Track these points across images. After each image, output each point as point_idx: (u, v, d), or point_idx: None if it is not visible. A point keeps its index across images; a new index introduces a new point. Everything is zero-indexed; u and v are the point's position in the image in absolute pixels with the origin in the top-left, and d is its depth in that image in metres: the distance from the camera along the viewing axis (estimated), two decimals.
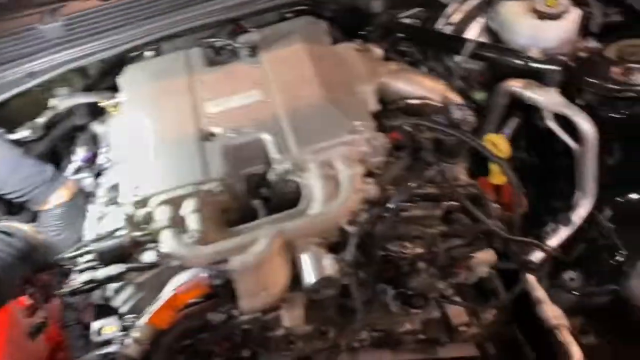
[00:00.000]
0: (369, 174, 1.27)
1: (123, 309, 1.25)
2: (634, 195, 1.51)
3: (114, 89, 1.59)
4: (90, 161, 1.62)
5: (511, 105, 1.65)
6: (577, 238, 1.56)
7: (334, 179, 1.22)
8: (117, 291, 1.26)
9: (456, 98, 1.53)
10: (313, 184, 1.23)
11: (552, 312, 1.41)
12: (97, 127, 1.65)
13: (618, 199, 1.53)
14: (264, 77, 1.44)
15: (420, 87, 1.49)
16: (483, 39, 1.72)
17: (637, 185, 1.51)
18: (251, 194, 1.30)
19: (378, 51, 1.58)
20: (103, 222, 1.37)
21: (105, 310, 1.26)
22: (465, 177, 1.38)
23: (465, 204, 1.23)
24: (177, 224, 1.19)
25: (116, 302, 1.26)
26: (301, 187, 1.25)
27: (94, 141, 1.65)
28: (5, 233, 1.39)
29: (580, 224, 1.54)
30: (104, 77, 1.75)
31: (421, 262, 1.27)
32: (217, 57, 1.59)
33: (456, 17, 1.75)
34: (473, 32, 1.74)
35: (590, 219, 1.54)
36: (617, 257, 1.46)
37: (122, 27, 1.63)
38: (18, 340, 1.34)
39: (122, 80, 1.57)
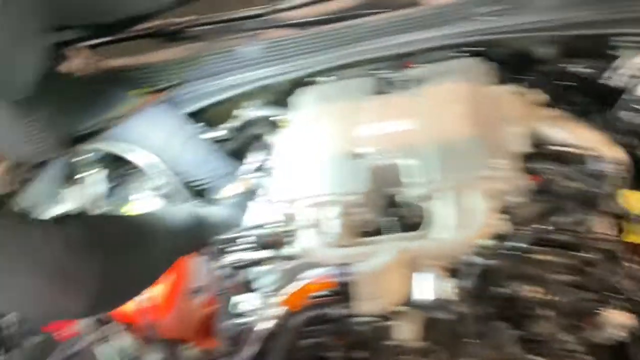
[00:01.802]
0: (505, 211, 1.31)
1: (261, 291, 1.45)
2: None
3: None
4: (260, 165, 1.89)
5: None
6: None
7: (468, 210, 1.29)
8: (259, 275, 1.48)
9: (614, 152, 1.48)
10: (443, 211, 1.31)
11: None
12: (270, 138, 1.93)
13: None
14: (419, 109, 1.56)
15: (574, 135, 1.47)
16: None
17: None
18: (383, 212, 1.43)
19: (536, 96, 1.60)
20: (258, 217, 1.61)
21: (245, 288, 1.48)
22: (611, 232, 1.33)
23: (597, 257, 1.20)
24: (319, 225, 1.37)
25: (256, 284, 1.48)
26: (427, 213, 1.35)
27: (267, 148, 1.93)
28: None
29: None
30: (286, 95, 2.04)
31: (543, 307, 1.27)
32: (384, 88, 1.75)
33: (629, 71, 1.68)
34: None
35: None
36: None
37: (309, 54, 1.89)
38: (184, 292, 1.64)
39: (294, 100, 1.82)
